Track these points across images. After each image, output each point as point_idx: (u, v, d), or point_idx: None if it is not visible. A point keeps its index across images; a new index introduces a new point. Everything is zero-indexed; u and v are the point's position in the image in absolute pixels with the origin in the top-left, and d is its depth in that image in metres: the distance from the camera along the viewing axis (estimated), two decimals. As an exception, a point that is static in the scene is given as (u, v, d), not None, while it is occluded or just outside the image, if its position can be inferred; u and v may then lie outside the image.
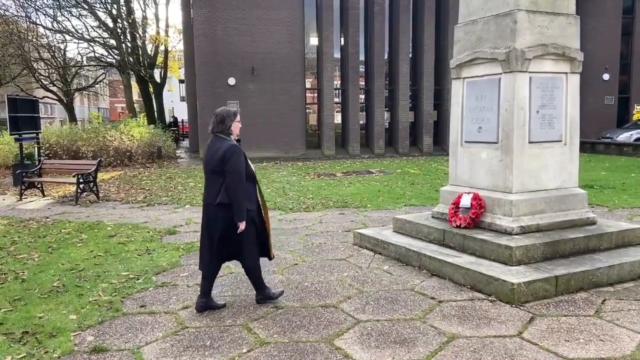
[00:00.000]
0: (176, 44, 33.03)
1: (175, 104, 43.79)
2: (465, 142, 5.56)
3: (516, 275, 4.28)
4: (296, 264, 5.43)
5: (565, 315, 3.89)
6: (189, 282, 4.89)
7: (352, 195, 10.05)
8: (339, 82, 21.65)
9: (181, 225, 7.46)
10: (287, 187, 11.24)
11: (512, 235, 4.86)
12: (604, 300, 4.18)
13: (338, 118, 21.78)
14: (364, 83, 21.75)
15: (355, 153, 20.66)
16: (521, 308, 4.04)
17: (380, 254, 5.68)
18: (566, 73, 5.23)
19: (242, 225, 4.01)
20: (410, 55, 21.52)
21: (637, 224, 5.61)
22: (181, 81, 30.10)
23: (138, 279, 4.98)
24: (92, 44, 27.07)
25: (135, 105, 40.73)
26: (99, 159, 11.22)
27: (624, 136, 20.33)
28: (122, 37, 25.26)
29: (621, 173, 13.23)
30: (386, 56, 21.41)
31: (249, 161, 4.25)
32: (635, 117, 23.80)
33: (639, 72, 24.26)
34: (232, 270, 5.16)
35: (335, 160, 18.36)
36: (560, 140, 5.28)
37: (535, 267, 4.49)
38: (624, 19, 23.41)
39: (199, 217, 8.31)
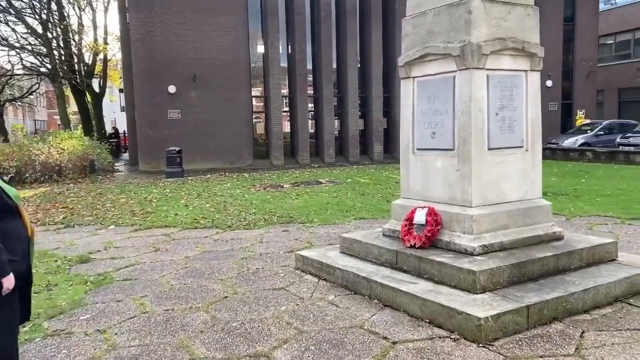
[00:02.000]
0: (116, 52, 31.47)
1: (117, 114, 41.87)
2: (418, 149, 4.92)
3: (482, 307, 3.62)
4: (226, 297, 4.59)
5: (542, 357, 3.25)
6: (88, 328, 3.97)
7: (298, 208, 9.29)
8: (287, 90, 20.93)
9: (98, 251, 6.47)
10: (228, 202, 10.36)
11: (473, 256, 4.22)
12: (583, 333, 3.57)
13: (287, 127, 21.05)
14: (312, 91, 21.12)
15: (305, 162, 19.96)
16: (490, 348, 3.37)
17: (325, 280, 4.93)
18: (526, 71, 4.68)
19: (6, 283, 2.57)
20: (359, 62, 21.09)
21: (607, 237, 5.13)
22: (121, 90, 28.58)
23: (24, 327, 4.02)
24: (20, 51, 25.22)
25: (75, 116, 38.62)
26: (10, 175, 9.98)
27: (569, 141, 20.57)
28: (53, 45, 23.61)
29: (571, 179, 13.10)
30: (334, 63, 20.88)
31: (4, 189, 2.70)
32: (578, 123, 24.30)
33: (581, 78, 24.83)
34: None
35: (284, 171, 17.58)
36: (522, 146, 4.71)
37: (502, 294, 3.86)
38: (565, 26, 23.89)
39: (122, 240, 7.37)
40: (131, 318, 4.14)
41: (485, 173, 4.46)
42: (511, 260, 4.11)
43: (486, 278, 3.90)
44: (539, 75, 4.78)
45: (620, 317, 3.82)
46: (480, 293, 3.87)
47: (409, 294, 3.99)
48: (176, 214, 9.00)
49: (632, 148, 18.01)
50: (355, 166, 19.01)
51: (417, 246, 4.55)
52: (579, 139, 20.76)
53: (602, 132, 21.49)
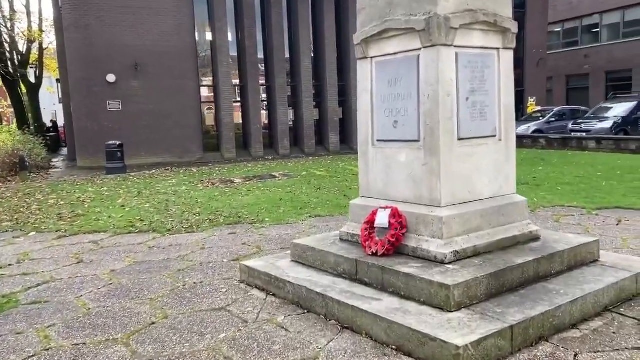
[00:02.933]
0: (54, 39, 29.47)
1: (58, 106, 39.52)
2: (378, 140, 4.27)
3: (459, 331, 3.01)
4: (153, 323, 3.82)
5: (536, 394, 2.68)
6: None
7: (248, 206, 8.52)
8: (238, 79, 19.96)
9: (9, 265, 5.52)
10: (171, 200, 9.47)
11: (444, 265, 3.62)
12: (576, 356, 3.02)
13: (239, 118, 20.12)
14: (264, 80, 20.24)
15: (259, 155, 19.13)
16: (472, 385, 2.77)
17: (274, 295, 4.23)
18: (498, 49, 4.10)
19: None
20: (312, 49, 20.34)
21: (587, 236, 4.66)
22: (58, 81, 26.79)
23: None
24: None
25: (10, 109, 36.21)
26: None
27: (522, 129, 20.57)
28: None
29: (527, 166, 12.86)
30: (287, 50, 20.05)
31: None
32: (529, 110, 24.48)
33: (532, 65, 25.00)
34: None
35: (236, 164, 16.70)
36: (495, 135, 4.14)
37: (481, 311, 3.27)
38: (516, 13, 23.90)
39: (41, 251, 6.30)
40: (29, 358, 3.31)
41: (455, 167, 3.86)
42: (488, 269, 3.52)
43: (461, 292, 3.30)
44: (512, 54, 4.21)
45: (613, 333, 3.30)
46: (455, 311, 3.27)
47: (372, 314, 3.34)
48: (110, 217, 8.06)
49: (584, 134, 18.13)
50: (310, 158, 18.33)
51: (379, 254, 3.91)
52: (531, 126, 20.84)
53: (553, 119, 21.66)
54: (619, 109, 19.13)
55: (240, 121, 20.08)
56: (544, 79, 26.31)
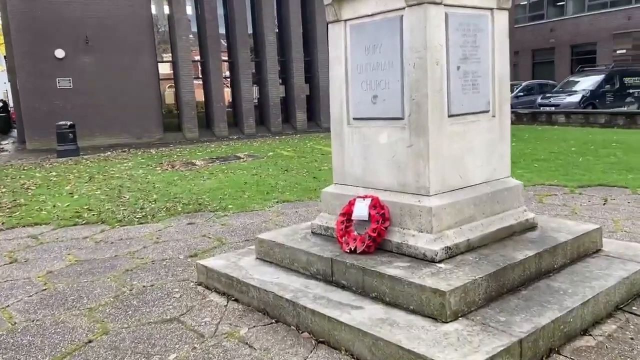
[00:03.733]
0: (-1, 13, 27.44)
1: (8, 85, 37.27)
2: (355, 119, 3.67)
3: (460, 349, 2.49)
4: (90, 342, 3.18)
5: None
6: None
7: (210, 191, 7.85)
8: (199, 54, 18.94)
9: None
10: (125, 186, 8.69)
11: (435, 264, 3.09)
12: (597, 373, 2.56)
13: (200, 95, 19.16)
14: (226, 56, 19.28)
15: (223, 134, 18.28)
16: (481, 422, 2.26)
17: (236, 301, 3.63)
18: (492, 9, 3.53)
19: None
20: (276, 23, 19.45)
21: (588, 223, 4.20)
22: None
23: None
24: None
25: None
26: None
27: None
28: None
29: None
30: (249, 24, 19.09)
31: None
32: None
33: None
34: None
35: (199, 145, 15.86)
36: (488, 111, 3.60)
37: (482, 320, 2.75)
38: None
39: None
40: None
41: (445, 148, 3.31)
42: (486, 269, 3.01)
43: (458, 299, 2.78)
44: (507, 15, 3.65)
45: (631, 338, 2.85)
46: (452, 321, 2.74)
47: (353, 327, 2.79)
48: (54, 206, 7.26)
49: (553, 108, 17.98)
50: (277, 137, 17.62)
51: (358, 251, 3.35)
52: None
53: (522, 93, 21.52)
54: (587, 83, 19.05)
55: (203, 99, 19.13)
56: (511, 53, 26.08)
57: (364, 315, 2.89)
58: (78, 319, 3.51)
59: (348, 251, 3.40)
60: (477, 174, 3.54)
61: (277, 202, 6.92)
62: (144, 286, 4.06)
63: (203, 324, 3.34)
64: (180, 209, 6.75)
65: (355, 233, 3.47)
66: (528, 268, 3.19)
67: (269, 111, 19.28)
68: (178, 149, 14.58)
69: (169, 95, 18.91)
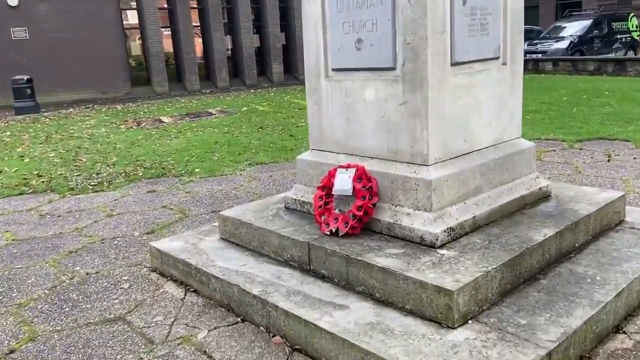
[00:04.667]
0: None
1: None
2: (335, 70, 2.98)
3: (475, 370, 1.94)
4: (11, 352, 2.56)
5: None
6: None
7: (177, 152, 7.13)
8: (165, 1, 17.61)
9: None
10: (84, 147, 7.90)
11: (436, 251, 2.50)
12: (644, 391, 2.05)
13: (169, 46, 17.97)
14: (195, 2, 17.98)
15: (195, 88, 17.26)
16: None
17: (196, 292, 3.03)
18: None
19: None
20: (249, -34, 18.12)
21: (612, 190, 3.65)
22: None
23: None
24: None
25: None
26: None
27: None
28: None
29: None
30: (220, -33, 17.72)
31: None
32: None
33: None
34: None
35: (169, 100, 14.90)
36: (498, 57, 2.94)
37: (497, 323, 2.20)
38: None
39: None
40: None
41: (448, 105, 2.66)
42: (500, 255, 2.43)
43: (468, 298, 2.21)
44: (523, -63, 2.94)
45: (675, 337, 2.34)
46: (460, 326, 2.18)
47: (336, 335, 2.21)
48: (1, 172, 6.48)
49: (540, 55, 17.30)
50: (252, 90, 16.69)
51: (340, 233, 2.75)
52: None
53: (507, 41, 20.69)
54: (575, 28, 18.32)
55: (172, 50, 17.95)
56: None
57: (350, 318, 2.31)
58: (2, 320, 2.88)
59: (328, 233, 2.79)
60: (484, 136, 2.92)
61: (250, 164, 6.25)
62: (87, 273, 3.42)
63: (154, 324, 2.74)
64: (141, 174, 6.05)
65: (337, 211, 2.85)
66: (548, 251, 2.62)
67: (243, 63, 18.23)
68: (146, 105, 13.63)
69: (135, 47, 17.69)
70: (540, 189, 3.14)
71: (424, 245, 2.56)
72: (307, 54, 3.11)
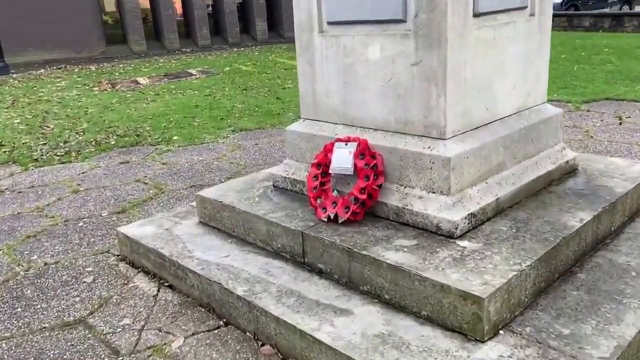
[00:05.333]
0: None
1: None
2: (330, 23, 2.48)
3: (517, 404, 1.56)
4: (-53, 373, 2.15)
5: None
6: None
7: (153, 118, 6.58)
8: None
9: None
10: (53, 112, 7.29)
11: (456, 242, 2.09)
12: None
13: (146, 2, 16.95)
14: (173, -48, 16.85)
15: (174, 47, 16.40)
16: None
17: (171, 287, 2.61)
18: None
19: None
20: None
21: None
22: None
23: None
24: None
25: None
26: None
27: None
28: None
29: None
30: None
31: None
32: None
33: None
34: None
35: (147, 59, 14.11)
36: (525, 7, 2.47)
37: (535, 334, 1.81)
38: None
39: None
40: None
41: (469, 66, 2.20)
42: (532, 248, 2.03)
43: (500, 305, 1.81)
44: None
45: None
46: (491, 338, 1.79)
47: (339, 352, 1.81)
48: (-42, 143, 5.91)
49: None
50: (235, 49, 15.91)
51: (340, 220, 2.32)
52: None
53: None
54: (570, -18, 17.64)
55: (149, 7, 16.96)
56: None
57: (355, 327, 1.91)
58: (-60, 327, 2.44)
59: (325, 219, 2.36)
60: (508, 102, 2.47)
61: (233, 130, 5.75)
62: (45, 264, 2.97)
63: (120, 329, 2.32)
64: (113, 143, 5.52)
65: (335, 193, 2.42)
66: (584, 239, 2.23)
67: (224, 20, 17.32)
68: (122, 65, 12.86)
69: (108, 3, 16.65)
70: (567, 162, 2.73)
71: (441, 234, 2.14)
72: (297, 4, 2.59)
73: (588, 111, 5.71)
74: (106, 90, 9.09)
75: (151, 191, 4.05)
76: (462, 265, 1.93)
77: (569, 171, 2.74)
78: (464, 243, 2.08)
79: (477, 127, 2.32)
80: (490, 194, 2.29)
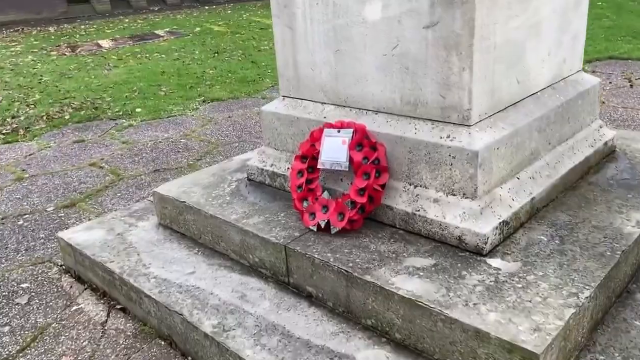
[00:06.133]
0: None
1: None
2: (316, -29, 1.91)
3: None
4: None
5: None
6: None
7: (115, 86, 5.91)
8: None
9: None
10: (3, 82, 6.54)
11: (486, 261, 1.61)
12: None
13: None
14: None
15: (141, 5, 15.31)
16: None
17: (123, 311, 2.10)
18: None
19: None
20: None
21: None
22: None
23: None
24: None
25: None
26: None
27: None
28: None
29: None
30: None
31: None
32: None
33: None
34: None
35: (111, 19, 13.10)
36: (566, -51, 1.93)
37: (600, 393, 1.37)
38: None
39: None
40: None
41: (500, 29, 1.67)
42: (589, 270, 1.55)
43: (556, 356, 1.35)
44: None
45: None
46: (541, 400, 1.34)
47: (340, 422, 1.35)
48: None
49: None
50: (207, 7, 14.91)
51: (334, 231, 1.82)
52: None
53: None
54: None
55: (112, -39, 15.72)
56: None
57: (359, 383, 1.44)
58: None
59: (315, 229, 1.86)
60: (541, 73, 1.96)
61: (204, 101, 5.14)
62: (-29, 281, 2.43)
63: (58, 374, 1.83)
64: (67, 118, 4.88)
65: (326, 195, 1.91)
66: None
67: (195, -25, 16.19)
68: (83, 26, 11.89)
69: (68, -43, 15.37)
70: (605, 143, 2.25)
71: (464, 249, 1.67)
72: (270, -53, 2.00)
73: (593, 72, 5.23)
74: (64, 54, 8.28)
75: (107, 177, 3.48)
76: (500, 297, 1.46)
77: (607, 154, 2.27)
78: (496, 262, 1.61)
79: (507, 107, 1.82)
80: (524, 193, 1.80)
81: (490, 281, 1.53)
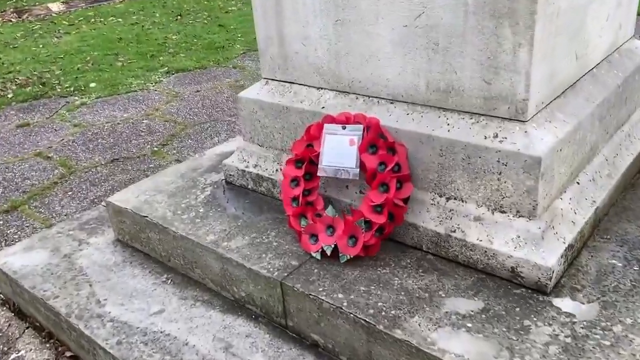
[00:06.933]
0: None
1: None
2: None
3: None
4: None
5: None
6: None
7: (65, 56, 5.26)
8: None
9: None
10: (-64, 55, 5.79)
11: (552, 302, 1.22)
12: None
13: None
14: None
15: (95, -37, 14.14)
16: None
17: (74, 359, 1.67)
18: None
19: None
20: None
21: None
22: None
23: None
24: None
25: None
26: None
27: None
28: None
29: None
30: None
31: None
32: None
33: None
34: None
35: (62, -21, 12.02)
36: None
37: None
38: None
39: None
40: None
41: (567, -12, 1.22)
42: (686, 310, 1.19)
43: None
44: None
45: None
46: None
47: None
48: None
49: None
50: (166, -38, 13.86)
51: (344, 259, 1.39)
52: None
53: None
54: None
55: None
56: None
57: None
58: None
59: (318, 256, 1.43)
60: (598, 43, 1.53)
61: (168, 72, 4.57)
62: None
63: None
64: (10, 96, 4.27)
65: (330, 211, 1.47)
66: None
67: None
68: (31, -12, 10.85)
69: None
70: (659, 126, 1.86)
71: (519, 284, 1.27)
72: None
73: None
74: (10, 21, 7.45)
75: (56, 171, 2.96)
76: (582, 362, 1.07)
77: (660, 138, 1.89)
78: (566, 304, 1.21)
79: (564, 92, 1.39)
80: (586, 202, 1.40)
81: (565, 336, 1.14)
